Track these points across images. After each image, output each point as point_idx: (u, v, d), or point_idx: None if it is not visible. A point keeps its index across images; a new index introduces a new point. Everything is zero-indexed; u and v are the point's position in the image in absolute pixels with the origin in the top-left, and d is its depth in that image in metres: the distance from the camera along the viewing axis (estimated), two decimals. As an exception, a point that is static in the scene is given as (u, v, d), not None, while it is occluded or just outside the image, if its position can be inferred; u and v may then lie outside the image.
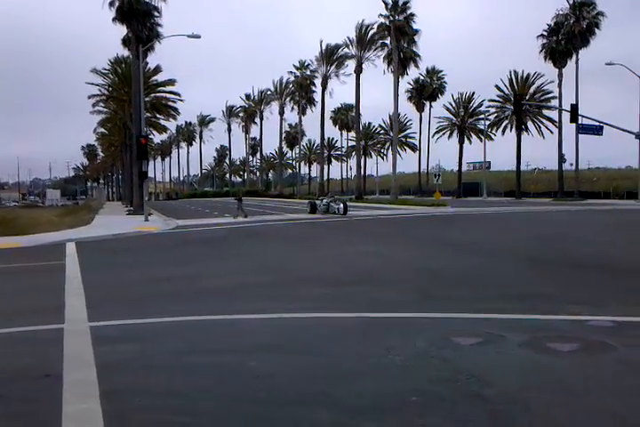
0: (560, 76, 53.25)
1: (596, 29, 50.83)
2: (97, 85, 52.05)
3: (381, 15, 51.61)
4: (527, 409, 3.94)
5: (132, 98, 39.30)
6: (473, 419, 3.80)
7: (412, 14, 51.17)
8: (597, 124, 42.47)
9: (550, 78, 57.52)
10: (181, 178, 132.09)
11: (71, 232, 21.59)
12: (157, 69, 51.07)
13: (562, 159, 55.14)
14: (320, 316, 7.02)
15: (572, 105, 41.40)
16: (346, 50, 58.72)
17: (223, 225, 24.79)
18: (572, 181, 52.31)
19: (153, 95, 52.98)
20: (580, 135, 47.97)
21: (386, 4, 51.14)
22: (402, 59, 52.32)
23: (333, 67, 63.17)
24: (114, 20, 38.50)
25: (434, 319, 6.71)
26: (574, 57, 51.74)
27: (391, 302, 7.76)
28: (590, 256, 12.24)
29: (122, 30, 39.73)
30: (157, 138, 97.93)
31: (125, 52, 45.97)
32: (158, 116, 56.88)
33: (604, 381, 4.51)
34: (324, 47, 63.37)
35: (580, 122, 41.58)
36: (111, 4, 37.80)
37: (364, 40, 55.43)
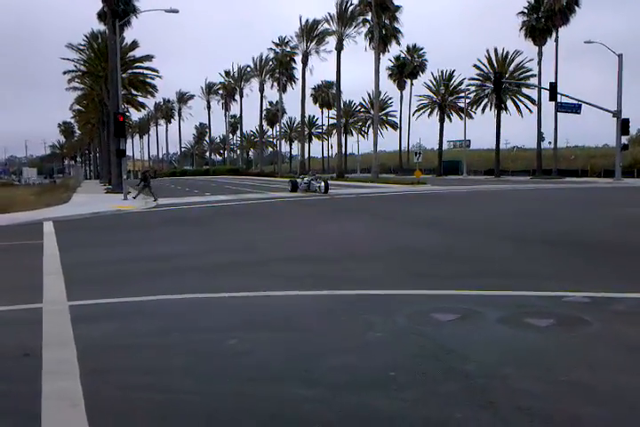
0: (540, 54, 53.32)
1: (576, 7, 50.77)
2: (72, 61, 50.98)
3: (362, -9, 50.96)
4: (504, 383, 4.02)
5: (109, 74, 38.55)
6: (451, 393, 3.87)
7: (393, -10, 50.58)
8: (576, 102, 42.81)
9: (530, 56, 57.68)
10: (160, 156, 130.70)
11: (48, 211, 21.30)
12: (134, 45, 50.07)
13: (540, 137, 55.52)
14: (300, 293, 7.05)
15: (550, 83, 41.58)
16: (326, 26, 58.09)
17: (203, 204, 24.65)
18: (551, 160, 52.78)
19: (130, 71, 52.01)
20: (558, 113, 48.29)
21: (368, -20, 50.40)
22: (383, 35, 51.87)
23: (314, 43, 62.54)
24: (89, -7, 37.49)
25: (414, 296, 6.77)
26: (554, 35, 51.76)
27: (371, 280, 7.81)
28: (566, 233, 12.41)
29: (97, 4, 38.79)
30: (135, 115, 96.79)
31: (101, 27, 45.05)
32: (136, 92, 55.93)
33: (579, 355, 4.61)
34: (303, 23, 62.60)
35: (558, 100, 41.84)
36: (86, -23, 36.79)
37: (344, 16, 54.78)
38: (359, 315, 5.88)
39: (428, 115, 72.91)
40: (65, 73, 53.11)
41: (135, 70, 52.86)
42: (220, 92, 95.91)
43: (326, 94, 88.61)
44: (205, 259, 10.13)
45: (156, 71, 52.46)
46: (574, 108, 43.11)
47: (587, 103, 42.22)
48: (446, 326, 5.45)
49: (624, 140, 42.49)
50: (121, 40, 39.78)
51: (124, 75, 45.55)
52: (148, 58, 51.18)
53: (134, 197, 27.88)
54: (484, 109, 63.49)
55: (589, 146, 77.03)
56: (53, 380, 4.26)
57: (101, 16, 39.90)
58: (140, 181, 28.82)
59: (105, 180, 50.99)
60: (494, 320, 5.56)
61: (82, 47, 50.91)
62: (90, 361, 4.67)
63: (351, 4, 54.14)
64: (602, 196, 26.81)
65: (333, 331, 5.42)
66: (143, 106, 63.24)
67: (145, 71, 52.68)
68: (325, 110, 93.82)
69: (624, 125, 41.27)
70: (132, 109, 63.18)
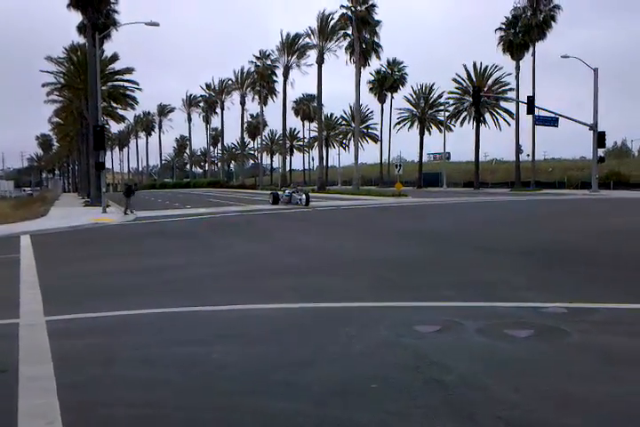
0: (517, 68, 54.26)
1: (553, 22, 51.85)
2: (51, 73, 50.61)
3: (343, 6, 51.59)
4: (485, 394, 4.04)
5: (89, 86, 38.31)
6: (433, 404, 3.88)
7: (373, 5, 51.32)
8: (553, 115, 43.54)
9: (509, 71, 58.59)
10: (140, 169, 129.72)
11: (26, 224, 21.01)
12: (114, 58, 49.89)
13: (519, 150, 56.30)
14: (281, 306, 7.03)
15: (528, 97, 42.30)
16: (307, 40, 58.49)
17: (183, 217, 24.50)
18: (529, 172, 53.50)
19: (110, 84, 51.77)
20: (536, 127, 49.03)
21: (348, -5, 51.04)
22: (363, 49, 52.40)
23: (295, 57, 62.85)
24: (68, 6, 37.36)
25: (394, 308, 6.79)
26: (531, 49, 52.73)
27: (352, 292, 7.82)
28: (543, 244, 12.55)
29: (77, 17, 38.65)
30: (115, 128, 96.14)
31: (81, 40, 44.78)
32: (116, 105, 55.65)
33: (558, 365, 4.66)
34: (284, 37, 63.01)
35: (536, 114, 42.53)
36: (65, -11, 36.66)
37: (325, 30, 55.20)
38: (341, 327, 5.88)
39: (409, 128, 73.58)
40: (44, 85, 52.78)
41: (115, 83, 52.64)
42: (202, 104, 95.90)
43: (307, 107, 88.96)
44: (185, 272, 10.05)
45: (137, 84, 52.37)
46: (552, 122, 43.84)
47: (564, 117, 42.97)
48: (427, 338, 5.47)
49: (600, 152, 43.27)
50: (101, 53, 39.65)
51: (103, 87, 45.34)
52: (129, 70, 51.05)
53: (130, 212, 26.42)
54: (462, 122, 64.33)
55: (566, 158, 78.20)
56: (30, 397, 4.18)
57: (81, 29, 39.72)
58: (125, 195, 27.50)
59: (83, 193, 50.48)
60: (474, 331, 5.60)
61: (61, 60, 50.66)
62: (67, 377, 4.60)
63: (332, 19, 54.68)
64: (578, 207, 27.21)
65: (315, 344, 5.41)
66: (123, 118, 62.99)
67: (125, 84, 52.53)
68: (307, 123, 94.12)
69: (600, 138, 42.03)
70: (111, 122, 62.97)
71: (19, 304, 7.51)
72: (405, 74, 75.31)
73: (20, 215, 24.77)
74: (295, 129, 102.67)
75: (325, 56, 55.46)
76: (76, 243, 16.20)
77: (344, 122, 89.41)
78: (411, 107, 73.28)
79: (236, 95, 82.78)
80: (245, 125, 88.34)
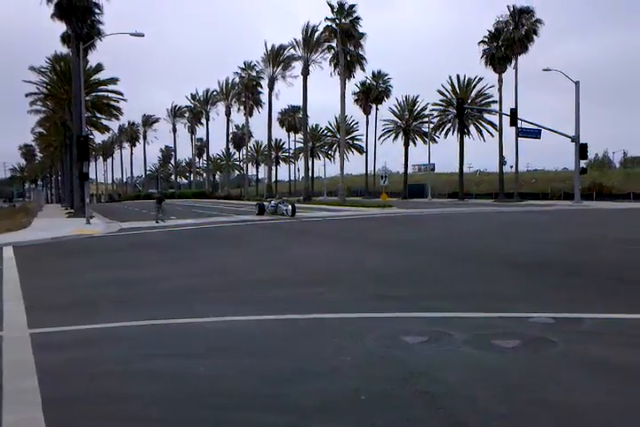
0: (500, 81, 54.88)
1: (534, 36, 52.63)
2: (35, 84, 50.36)
3: (327, 18, 52.04)
4: (473, 405, 4.05)
5: (72, 97, 38.17)
6: (422, 416, 3.88)
7: (357, 18, 51.84)
8: (536, 127, 44.07)
9: (492, 83, 59.27)
10: (124, 179, 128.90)
11: (8, 236, 20.74)
12: (99, 68, 49.82)
13: (502, 162, 56.82)
14: (268, 318, 7.00)
15: (511, 109, 42.81)
16: (292, 51, 58.82)
17: (168, 228, 24.35)
18: (513, 183, 53.96)
19: (94, 94, 51.62)
20: (519, 138, 49.55)
21: (332, 7, 51.56)
22: (348, 61, 52.81)
23: (280, 68, 63.12)
24: (52, 16, 37.26)
25: (382, 319, 6.79)
26: (514, 63, 53.45)
27: (340, 303, 7.81)
28: (527, 255, 12.66)
29: (61, 27, 38.54)
30: (99, 138, 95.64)
31: (65, 50, 44.68)
32: (100, 115, 55.47)
33: (546, 375, 4.68)
34: (269, 48, 63.31)
35: (519, 126, 43.03)
36: (49, 0, 36.59)
37: (310, 42, 55.59)
38: (328, 339, 5.86)
39: (393, 139, 73.94)
40: (27, 95, 52.49)
41: (99, 93, 52.49)
42: (187, 115, 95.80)
43: (293, 118, 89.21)
44: (172, 284, 9.98)
45: (121, 94, 52.28)
46: (534, 134, 44.36)
47: (546, 128, 43.50)
48: (415, 349, 5.47)
49: (582, 164, 43.77)
50: (85, 63, 39.55)
51: (87, 97, 45.18)
52: (113, 81, 50.94)
53: (163, 221, 27.17)
54: (447, 134, 64.77)
55: (549, 169, 79.02)
56: (14, 411, 4.11)
57: (65, 39, 39.59)
58: (156, 204, 28.58)
59: (67, 204, 50.03)
60: (462, 342, 5.61)
61: (45, 70, 50.43)
62: (53, 390, 4.53)
63: (316, 31, 55.09)
64: (561, 218, 27.48)
65: (303, 355, 5.39)
66: (107, 129, 62.74)
67: (109, 94, 52.40)
68: (292, 134, 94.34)
69: (582, 150, 42.56)
70: (95, 132, 62.59)
71: (2, 316, 7.40)
72: (390, 86, 75.88)
73: (3, 226, 24.45)
74: (281, 140, 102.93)
75: (310, 68, 55.87)
76: (59, 254, 16.02)
77: (329, 133, 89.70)
78: (395, 118, 73.81)
79: (221, 106, 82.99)
80: (231, 136, 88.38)
